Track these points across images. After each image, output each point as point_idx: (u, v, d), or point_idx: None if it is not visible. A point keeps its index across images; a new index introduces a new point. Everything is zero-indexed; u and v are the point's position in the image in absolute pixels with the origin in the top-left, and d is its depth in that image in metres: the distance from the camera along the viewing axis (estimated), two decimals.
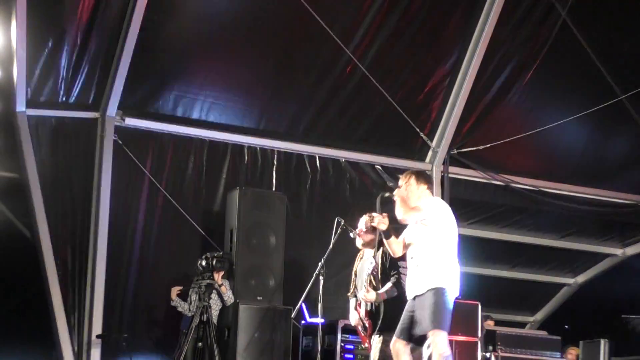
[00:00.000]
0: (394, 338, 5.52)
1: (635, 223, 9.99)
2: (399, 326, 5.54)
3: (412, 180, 5.71)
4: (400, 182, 5.74)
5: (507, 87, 8.96)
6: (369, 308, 6.10)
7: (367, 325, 6.14)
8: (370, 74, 8.50)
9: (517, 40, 8.89)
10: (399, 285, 5.92)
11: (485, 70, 8.83)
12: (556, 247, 10.05)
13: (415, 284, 5.49)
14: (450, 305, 5.35)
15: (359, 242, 6.37)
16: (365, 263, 6.27)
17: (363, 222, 6.29)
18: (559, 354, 9.50)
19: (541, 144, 9.11)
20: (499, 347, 8.84)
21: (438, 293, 5.39)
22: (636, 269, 10.35)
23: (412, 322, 5.48)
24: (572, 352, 9.79)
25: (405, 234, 5.72)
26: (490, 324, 9.55)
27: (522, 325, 10.94)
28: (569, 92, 9.17)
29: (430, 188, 5.64)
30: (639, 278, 10.34)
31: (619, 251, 10.53)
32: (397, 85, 8.69)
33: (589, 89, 9.12)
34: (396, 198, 5.62)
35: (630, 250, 10.53)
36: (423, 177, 5.79)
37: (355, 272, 6.44)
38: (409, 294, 5.56)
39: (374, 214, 5.64)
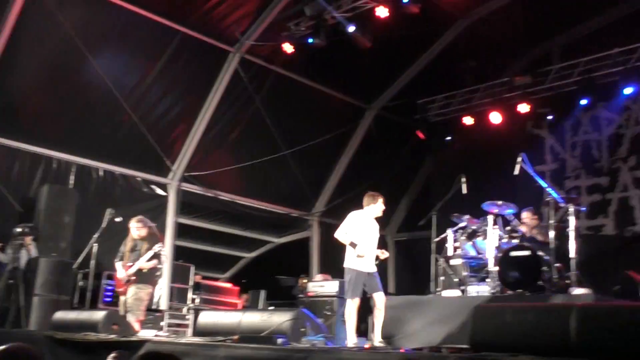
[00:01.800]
0: (358, 299, 6.77)
1: (284, 225, 12.78)
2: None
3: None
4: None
5: (221, 141, 11.23)
6: (133, 271, 7.64)
7: (130, 279, 7.64)
8: (140, 122, 10.34)
9: (231, 112, 11.05)
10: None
11: (209, 129, 10.95)
12: (240, 235, 12.70)
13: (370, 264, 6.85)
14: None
15: (135, 233, 7.83)
16: (137, 247, 7.75)
17: (134, 227, 7.77)
18: (236, 297, 11.66)
19: (237, 175, 11.45)
20: (202, 291, 11.18)
21: None
22: (283, 252, 13.14)
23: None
24: (244, 297, 11.96)
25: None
26: (198, 278, 11.39)
27: (216, 279, 12.91)
28: (256, 146, 11.50)
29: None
30: (285, 259, 13.02)
31: (275, 240, 13.20)
32: (156, 131, 10.67)
33: (267, 146, 11.45)
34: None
35: (282, 240, 13.15)
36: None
37: (130, 248, 7.81)
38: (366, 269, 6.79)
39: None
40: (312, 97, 11.83)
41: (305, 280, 11.67)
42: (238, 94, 11.20)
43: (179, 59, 10.47)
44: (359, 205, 6.56)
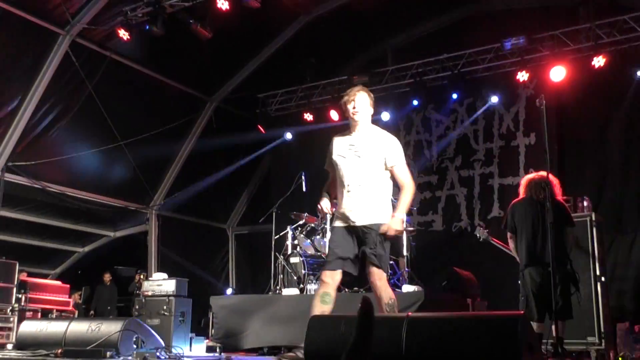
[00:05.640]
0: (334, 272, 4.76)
1: (120, 219, 12.25)
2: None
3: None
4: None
5: (50, 128, 10.26)
6: None
7: None
8: None
9: (61, 97, 10.14)
10: None
11: (37, 113, 9.96)
12: (71, 229, 12.00)
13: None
14: None
15: None
16: None
17: None
18: (66, 295, 10.95)
19: (67, 165, 10.66)
20: (28, 290, 10.27)
21: None
22: (120, 247, 12.67)
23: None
24: (75, 295, 11.50)
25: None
26: (24, 275, 10.70)
27: (47, 275, 12.33)
28: (90, 136, 10.69)
29: None
30: (122, 253, 12.55)
31: (111, 233, 12.68)
32: None
33: (102, 135, 10.68)
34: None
35: (118, 234, 12.68)
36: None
37: None
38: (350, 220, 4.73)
39: None
40: (150, 87, 11.13)
41: (142, 277, 11.18)
42: (69, 79, 10.21)
43: None
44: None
